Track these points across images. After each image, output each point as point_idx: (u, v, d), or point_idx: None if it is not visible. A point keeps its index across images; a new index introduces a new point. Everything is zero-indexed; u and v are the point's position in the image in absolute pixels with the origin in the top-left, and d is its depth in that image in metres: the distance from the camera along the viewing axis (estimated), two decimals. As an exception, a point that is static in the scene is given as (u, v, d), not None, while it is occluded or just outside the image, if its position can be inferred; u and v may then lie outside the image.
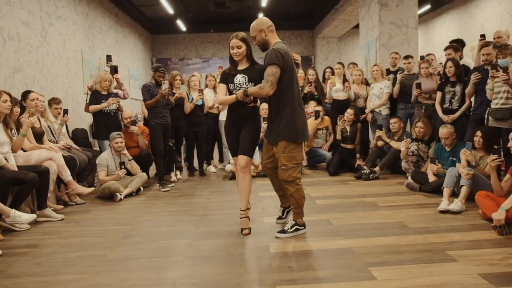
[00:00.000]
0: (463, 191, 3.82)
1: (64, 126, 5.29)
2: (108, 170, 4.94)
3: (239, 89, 3.27)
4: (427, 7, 11.22)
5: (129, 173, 5.10)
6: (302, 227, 3.27)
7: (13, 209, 3.49)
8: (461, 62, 5.25)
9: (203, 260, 2.80)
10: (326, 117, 6.46)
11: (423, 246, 2.91)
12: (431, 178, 4.59)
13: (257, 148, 4.42)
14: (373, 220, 3.60)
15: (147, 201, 4.65)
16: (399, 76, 5.95)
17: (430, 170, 4.62)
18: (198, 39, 13.57)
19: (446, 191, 3.97)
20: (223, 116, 6.09)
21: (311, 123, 5.97)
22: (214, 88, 6.33)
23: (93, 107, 5.35)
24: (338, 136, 6.10)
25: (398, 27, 7.50)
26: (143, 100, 5.34)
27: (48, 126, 4.83)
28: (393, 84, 6.05)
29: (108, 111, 5.40)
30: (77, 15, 7.45)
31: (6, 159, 3.71)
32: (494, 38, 4.99)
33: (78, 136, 6.12)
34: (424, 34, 12.25)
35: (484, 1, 9.29)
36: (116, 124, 5.50)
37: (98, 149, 5.78)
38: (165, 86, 5.42)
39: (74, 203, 4.57)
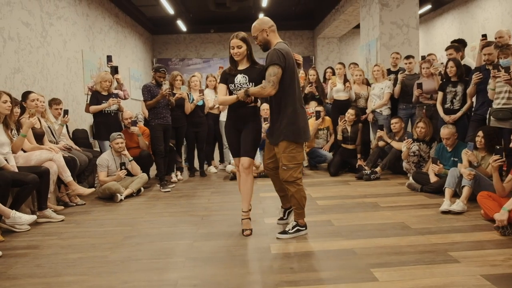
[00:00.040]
0: (465, 191, 3.81)
1: (65, 126, 5.28)
2: (108, 171, 4.93)
3: (240, 89, 3.26)
4: (428, 7, 11.20)
5: (129, 174, 5.09)
6: (304, 228, 3.26)
7: (13, 210, 3.47)
8: (463, 62, 5.24)
9: (204, 261, 2.79)
10: (327, 118, 6.45)
11: (425, 247, 2.89)
12: (433, 178, 4.58)
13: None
14: (375, 221, 3.58)
15: (148, 202, 4.64)
16: (400, 76, 5.93)
17: (432, 170, 4.61)
18: (199, 39, 13.56)
19: (447, 192, 3.96)
20: (223, 117, 6.08)
21: (312, 123, 5.95)
22: (215, 88, 6.32)
23: (93, 108, 5.35)
24: (339, 137, 6.09)
25: (399, 27, 7.49)
26: (144, 101, 5.33)
27: (49, 127, 4.82)
28: (394, 84, 6.04)
29: (109, 111, 5.39)
30: (77, 15, 7.44)
31: (6, 160, 3.70)
32: (495, 38, 4.97)
33: (78, 136, 6.11)
34: (425, 34, 12.23)
35: (485, 1, 9.27)
36: (117, 125, 5.50)
37: (98, 149, 5.77)
38: (165, 86, 5.41)
39: (75, 204, 4.56)
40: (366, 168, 5.64)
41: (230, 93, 3.35)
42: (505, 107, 4.13)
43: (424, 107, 5.50)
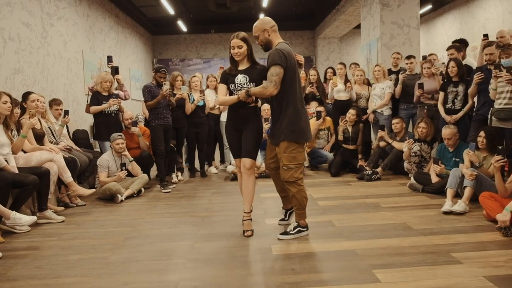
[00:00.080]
0: (467, 192, 3.79)
1: (65, 127, 5.27)
2: (109, 172, 4.92)
3: (240, 89, 3.25)
4: (429, 7, 11.19)
5: (130, 174, 5.08)
6: (305, 229, 3.25)
7: (13, 211, 3.46)
8: (464, 62, 5.22)
9: (205, 263, 2.77)
10: (328, 118, 6.43)
11: (427, 248, 2.88)
12: (434, 179, 4.56)
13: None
14: (376, 222, 3.57)
15: (148, 203, 4.63)
16: (401, 76, 5.92)
17: (433, 170, 4.59)
18: (199, 39, 13.55)
19: (449, 192, 3.94)
20: (224, 117, 6.06)
21: (312, 123, 5.93)
22: (215, 88, 6.30)
23: (94, 108, 5.34)
24: (340, 137, 6.07)
25: (399, 27, 7.47)
26: (144, 101, 5.32)
27: (49, 127, 4.81)
28: (395, 85, 6.02)
29: (109, 112, 5.38)
30: (77, 16, 7.43)
31: (6, 161, 3.69)
32: (497, 38, 4.96)
33: (78, 137, 6.10)
34: (426, 34, 12.22)
35: (486, 1, 9.26)
36: (117, 125, 5.49)
37: (99, 150, 5.76)
38: (166, 87, 5.40)
39: (75, 205, 4.55)
40: (367, 168, 5.62)
41: (231, 93, 3.34)
42: (506, 107, 4.11)
43: (425, 107, 5.49)
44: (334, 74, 6.68)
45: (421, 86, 5.39)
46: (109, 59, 5.87)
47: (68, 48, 6.98)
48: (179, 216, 4.00)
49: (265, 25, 3.14)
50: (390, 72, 6.36)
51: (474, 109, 4.82)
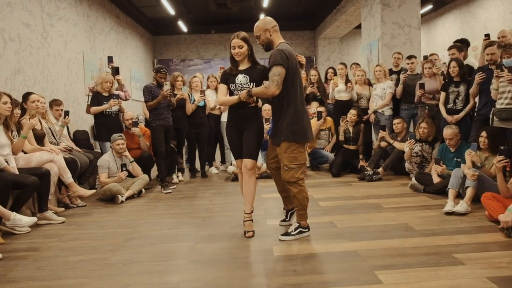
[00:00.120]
0: (469, 192, 3.77)
1: (65, 127, 5.26)
2: (109, 172, 4.91)
3: (241, 89, 3.24)
4: (429, 7, 11.18)
5: (130, 175, 5.07)
6: (306, 230, 3.23)
7: (14, 212, 3.45)
8: (465, 62, 5.21)
9: (206, 264, 2.76)
10: (329, 118, 6.42)
11: (429, 249, 2.86)
12: (436, 179, 4.55)
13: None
14: (378, 222, 3.55)
15: (149, 203, 4.62)
16: (402, 77, 5.90)
17: (435, 171, 4.57)
18: (200, 40, 13.55)
19: (451, 193, 3.92)
20: (225, 117, 6.05)
21: (313, 124, 5.92)
22: (216, 89, 6.29)
23: (94, 109, 5.33)
24: (341, 137, 6.06)
25: (400, 27, 7.46)
26: (145, 102, 5.31)
27: (49, 128, 4.80)
28: (396, 85, 6.01)
29: (110, 112, 5.37)
30: (78, 16, 7.43)
31: (6, 162, 3.67)
32: (498, 38, 4.95)
33: (79, 137, 6.09)
34: (426, 34, 12.20)
35: (487, 1, 9.24)
36: (118, 126, 5.48)
37: (99, 150, 5.75)
38: (166, 87, 5.39)
39: (75, 206, 4.54)
40: (368, 169, 5.60)
41: (231, 93, 3.33)
42: (508, 107, 4.09)
43: (427, 107, 5.48)
44: (335, 74, 6.66)
45: (422, 86, 5.37)
46: (110, 59, 5.87)
47: (69, 48, 6.97)
48: (180, 217, 3.99)
49: (267, 25, 3.13)
50: (391, 72, 6.34)
51: (476, 109, 4.80)
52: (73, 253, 3.04)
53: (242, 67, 3.31)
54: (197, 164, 6.33)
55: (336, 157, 6.09)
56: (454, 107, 4.98)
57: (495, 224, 3.31)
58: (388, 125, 5.87)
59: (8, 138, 3.78)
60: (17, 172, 3.71)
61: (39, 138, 4.40)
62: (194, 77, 6.20)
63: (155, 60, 13.18)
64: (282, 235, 3.20)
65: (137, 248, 3.11)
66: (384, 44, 7.46)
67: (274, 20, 3.18)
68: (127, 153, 5.03)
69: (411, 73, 5.98)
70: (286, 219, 3.57)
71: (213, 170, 6.54)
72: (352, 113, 5.96)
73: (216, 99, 6.09)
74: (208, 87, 6.48)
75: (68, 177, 4.24)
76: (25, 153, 4.13)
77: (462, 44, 5.51)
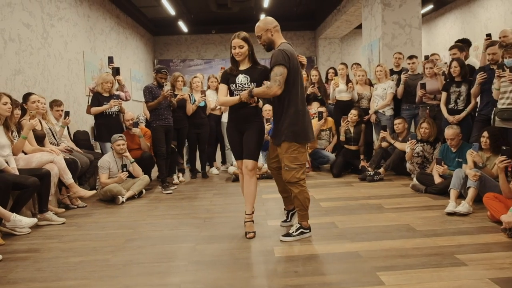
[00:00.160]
0: (470, 192, 3.76)
1: (66, 128, 5.25)
2: (110, 173, 4.90)
3: (241, 90, 3.23)
4: (430, 7, 11.16)
5: (131, 176, 5.06)
6: (307, 230, 3.22)
7: (14, 213, 3.44)
8: (467, 62, 5.19)
9: (206, 265, 2.75)
10: (330, 118, 6.41)
11: (431, 250, 2.85)
12: (437, 179, 4.53)
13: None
14: (379, 223, 3.54)
15: (149, 204, 4.60)
16: (403, 77, 5.89)
17: (436, 171, 4.56)
18: (200, 40, 13.54)
19: (453, 193, 3.91)
20: (225, 118, 6.04)
21: (314, 124, 5.90)
22: (217, 89, 6.28)
23: (94, 109, 5.32)
24: (342, 137, 6.05)
25: (401, 27, 7.45)
26: (145, 102, 5.30)
27: (50, 129, 4.79)
28: (397, 85, 5.99)
29: (110, 113, 5.37)
30: (78, 16, 7.42)
31: (7, 162, 3.66)
32: (499, 37, 4.93)
33: (79, 138, 6.08)
34: (427, 34, 12.19)
35: (488, 1, 9.22)
36: (118, 126, 5.47)
37: (99, 151, 5.74)
38: (167, 87, 5.38)
39: (76, 206, 4.53)
40: (369, 169, 5.59)
41: (231, 93, 3.31)
42: (510, 107, 4.07)
43: (428, 107, 5.46)
44: (336, 74, 6.65)
45: (423, 86, 5.36)
46: (110, 60, 5.86)
47: (69, 49, 6.96)
48: (181, 217, 3.98)
49: (268, 25, 3.12)
50: (392, 72, 6.33)
51: (477, 109, 4.79)
52: (73, 254, 3.03)
53: (242, 67, 3.30)
54: (198, 165, 6.32)
55: (337, 158, 6.08)
56: (456, 107, 4.97)
57: (497, 224, 3.29)
58: (389, 125, 5.85)
59: (8, 139, 3.77)
60: (17, 173, 3.70)
61: (40, 139, 4.39)
62: (194, 77, 6.19)
63: (155, 61, 13.17)
64: (283, 236, 3.19)
65: (138, 249, 3.09)
66: (385, 44, 7.45)
67: (275, 20, 3.17)
68: (127, 153, 5.02)
69: (412, 73, 5.96)
70: (287, 220, 3.55)
71: (214, 170, 6.53)
72: (353, 113, 5.95)
73: (217, 99, 6.08)
74: (208, 87, 6.47)
75: (68, 178, 4.23)
76: (25, 153, 4.12)
77: (463, 44, 5.49)
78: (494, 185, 3.71)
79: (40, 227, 3.75)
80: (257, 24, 3.17)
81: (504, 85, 4.11)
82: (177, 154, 5.91)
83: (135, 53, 11.13)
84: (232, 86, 3.29)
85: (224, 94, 3.34)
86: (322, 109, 6.24)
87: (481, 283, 2.32)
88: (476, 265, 2.57)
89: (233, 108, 3.34)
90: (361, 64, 7.71)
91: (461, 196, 3.95)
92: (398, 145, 5.45)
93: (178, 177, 5.87)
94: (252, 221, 3.38)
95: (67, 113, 5.17)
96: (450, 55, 5.27)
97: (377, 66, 6.22)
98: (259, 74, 3.26)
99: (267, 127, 5.24)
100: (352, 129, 6.00)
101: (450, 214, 3.69)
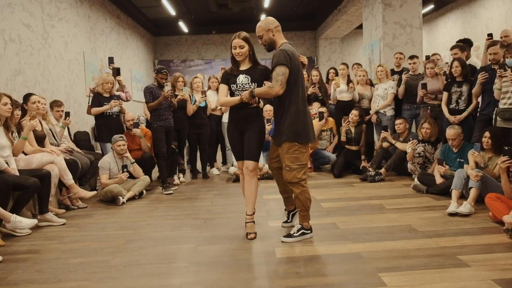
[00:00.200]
0: (472, 193, 3.74)
1: (66, 129, 5.24)
2: (110, 173, 4.89)
3: (242, 90, 3.21)
4: (431, 6, 11.15)
5: (131, 176, 5.05)
6: (309, 231, 3.21)
7: (14, 214, 3.43)
8: (468, 62, 5.18)
9: (207, 266, 2.73)
10: (330, 119, 6.39)
11: (433, 251, 2.83)
12: (439, 180, 4.52)
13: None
14: (381, 224, 3.52)
15: (150, 205, 4.59)
16: (404, 77, 5.88)
17: (437, 171, 4.54)
18: (200, 40, 13.53)
19: (454, 193, 3.89)
20: (226, 118, 6.02)
21: (315, 124, 5.84)
22: (217, 89, 6.26)
23: (95, 110, 5.31)
24: (343, 138, 6.03)
25: (402, 27, 7.43)
26: (146, 103, 5.29)
27: (50, 129, 4.78)
28: (398, 85, 5.98)
29: (111, 113, 5.36)
30: (78, 17, 7.41)
31: (7, 163, 3.65)
32: (501, 37, 4.91)
33: (80, 139, 6.08)
34: (428, 34, 12.17)
35: (488, 1, 9.21)
36: (119, 127, 5.46)
37: (100, 152, 5.73)
38: (167, 88, 5.37)
39: (76, 207, 4.52)
40: (370, 169, 5.58)
41: (232, 93, 3.30)
42: (511, 107, 4.06)
43: (429, 107, 5.45)
44: (337, 74, 6.64)
45: (424, 86, 5.34)
46: (110, 60, 5.85)
47: (69, 49, 6.95)
48: (181, 218, 3.97)
49: (270, 25, 3.11)
50: (393, 72, 6.31)
51: (479, 109, 4.77)
52: (73, 255, 3.02)
53: (243, 67, 3.29)
54: (198, 165, 6.31)
55: (338, 158, 6.07)
56: (457, 107, 4.95)
57: (500, 225, 3.28)
58: (390, 126, 5.84)
59: (9, 140, 3.76)
60: (17, 174, 3.69)
61: (40, 139, 4.38)
62: (195, 77, 6.17)
63: (156, 61, 13.17)
64: (284, 236, 3.18)
65: (138, 250, 3.08)
66: (386, 44, 7.43)
67: (276, 20, 3.16)
68: (128, 154, 5.01)
69: (413, 73, 5.95)
70: (288, 221, 3.54)
71: (214, 171, 6.52)
72: (354, 114, 5.93)
73: (217, 100, 6.07)
74: (209, 87, 6.46)
75: (68, 179, 4.22)
76: (25, 154, 4.10)
77: (465, 44, 5.48)
78: (496, 186, 3.69)
79: (40, 228, 3.74)
80: (258, 24, 3.16)
81: (505, 85, 4.09)
82: (177, 154, 5.90)
83: (136, 54, 11.12)
84: (232, 86, 3.27)
85: (225, 94, 3.33)
86: (323, 109, 6.23)
87: (483, 284, 2.30)
88: (478, 266, 2.55)
89: (234, 108, 3.32)
90: (362, 64, 7.70)
91: (463, 196, 3.93)
92: (399, 145, 5.43)
93: (179, 178, 5.86)
94: (253, 222, 3.37)
95: (67, 114, 5.17)
96: (451, 55, 5.26)
97: (378, 66, 6.21)
98: (259, 74, 3.25)
99: (268, 127, 5.22)
100: (353, 130, 5.98)
101: (451, 214, 3.67)
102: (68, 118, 5.13)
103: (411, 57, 6.04)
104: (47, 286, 2.52)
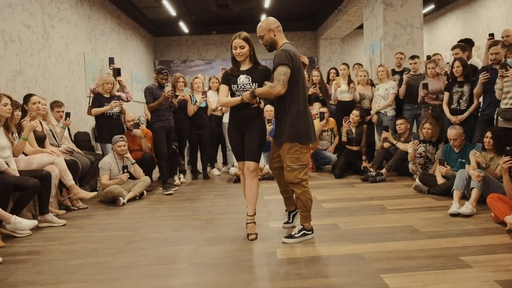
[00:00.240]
0: (474, 193, 3.73)
1: (66, 129, 5.24)
2: (111, 174, 4.88)
3: (243, 90, 3.20)
4: (431, 6, 11.13)
5: (132, 177, 5.03)
6: (310, 232, 3.19)
7: (14, 215, 3.41)
8: (469, 62, 5.16)
9: (208, 267, 2.72)
10: (331, 119, 6.38)
11: (435, 251, 2.82)
12: (440, 180, 4.50)
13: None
14: (382, 224, 3.51)
15: (151, 206, 4.58)
16: (405, 77, 5.86)
17: (439, 172, 4.53)
18: (201, 41, 13.52)
19: (456, 194, 3.87)
20: (226, 118, 6.01)
21: (316, 125, 5.84)
22: (218, 90, 6.25)
23: (95, 110, 5.30)
24: (344, 138, 6.02)
25: (403, 27, 7.42)
26: (146, 103, 5.28)
27: (50, 130, 4.77)
28: (399, 85, 5.97)
29: (111, 114, 5.35)
30: (79, 17, 7.40)
31: (7, 164, 3.64)
32: (502, 37, 4.91)
33: (80, 139, 6.07)
34: (428, 34, 12.16)
35: (489, 0, 9.19)
36: (119, 127, 5.45)
37: (100, 152, 5.72)
38: (168, 88, 5.35)
39: (77, 208, 4.50)
40: (371, 170, 5.56)
41: (233, 94, 3.29)
42: (513, 107, 4.05)
43: (430, 107, 5.43)
44: (337, 74, 6.63)
45: (425, 86, 5.33)
46: (111, 60, 5.84)
47: (70, 50, 6.94)
48: (182, 219, 3.95)
49: (271, 25, 3.10)
50: (393, 72, 6.30)
51: (480, 110, 4.76)
52: (74, 257, 3.01)
53: (243, 67, 3.28)
54: (199, 166, 6.29)
55: (339, 158, 6.05)
56: (458, 107, 4.94)
57: (502, 226, 3.26)
58: (391, 126, 5.82)
59: (9, 140, 3.75)
60: (17, 175, 3.68)
61: (40, 140, 4.37)
62: (195, 78, 6.16)
63: (156, 61, 13.16)
64: (285, 237, 3.16)
65: (139, 251, 3.07)
66: (387, 44, 7.42)
67: (277, 21, 3.15)
68: (128, 154, 5.00)
69: (414, 73, 5.94)
70: (289, 221, 3.53)
71: (215, 171, 6.51)
72: (354, 114, 5.92)
73: (218, 100, 6.06)
74: (209, 88, 6.45)
75: (69, 179, 4.21)
76: (25, 155, 4.09)
77: (466, 44, 5.46)
78: (497, 186, 3.68)
79: (41, 229, 3.73)
80: (259, 24, 3.15)
81: (507, 85, 4.08)
82: (178, 155, 5.89)
83: (136, 54, 11.11)
84: (233, 86, 3.26)
85: (225, 94, 3.31)
86: (324, 109, 6.21)
87: (486, 285, 2.29)
88: (481, 267, 2.54)
89: (234, 109, 3.31)
90: (363, 64, 7.68)
91: (464, 197, 3.91)
92: (400, 145, 5.42)
93: (179, 178, 5.85)
94: (254, 222, 3.36)
95: (67, 114, 5.16)
96: (453, 55, 5.24)
97: (379, 66, 6.19)
98: (260, 75, 3.24)
99: (269, 127, 5.21)
100: (354, 130, 5.97)
101: (453, 215, 3.66)
102: (68, 118, 5.13)
103: (412, 57, 6.03)
104: (48, 287, 2.50)
